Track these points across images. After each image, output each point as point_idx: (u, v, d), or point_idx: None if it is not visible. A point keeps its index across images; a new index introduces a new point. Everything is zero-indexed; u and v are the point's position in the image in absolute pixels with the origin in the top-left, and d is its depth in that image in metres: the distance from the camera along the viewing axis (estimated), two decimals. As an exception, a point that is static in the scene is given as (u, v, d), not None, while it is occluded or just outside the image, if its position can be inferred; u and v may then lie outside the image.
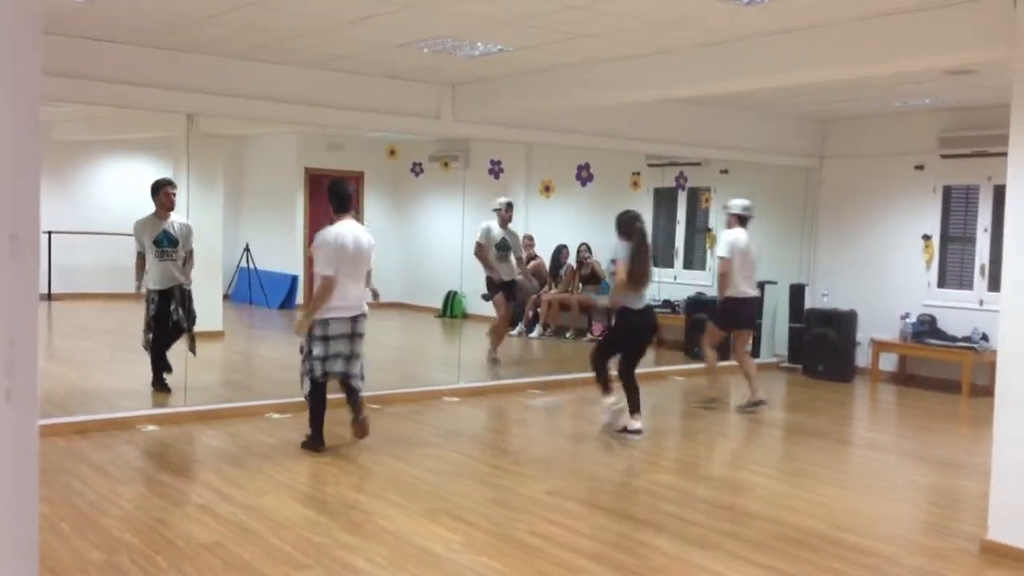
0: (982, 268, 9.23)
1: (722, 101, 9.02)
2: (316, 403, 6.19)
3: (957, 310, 9.32)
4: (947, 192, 9.56)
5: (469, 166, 13.51)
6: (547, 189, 12.85)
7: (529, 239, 12.78)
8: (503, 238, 9.61)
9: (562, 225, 12.85)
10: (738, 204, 8.22)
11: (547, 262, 12.69)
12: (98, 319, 12.24)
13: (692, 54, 6.39)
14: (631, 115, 8.85)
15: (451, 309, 13.81)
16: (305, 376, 6.13)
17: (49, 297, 11.98)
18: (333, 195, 6.24)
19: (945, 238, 9.58)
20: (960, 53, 5.42)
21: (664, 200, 11.97)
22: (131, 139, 12.98)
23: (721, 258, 7.96)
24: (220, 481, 5.44)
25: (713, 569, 4.26)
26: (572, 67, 7.08)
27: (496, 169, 13.20)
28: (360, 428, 6.27)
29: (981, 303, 9.15)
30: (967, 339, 9.01)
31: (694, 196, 11.67)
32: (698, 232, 11.73)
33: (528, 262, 12.75)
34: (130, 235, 7.83)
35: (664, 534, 4.72)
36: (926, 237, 9.61)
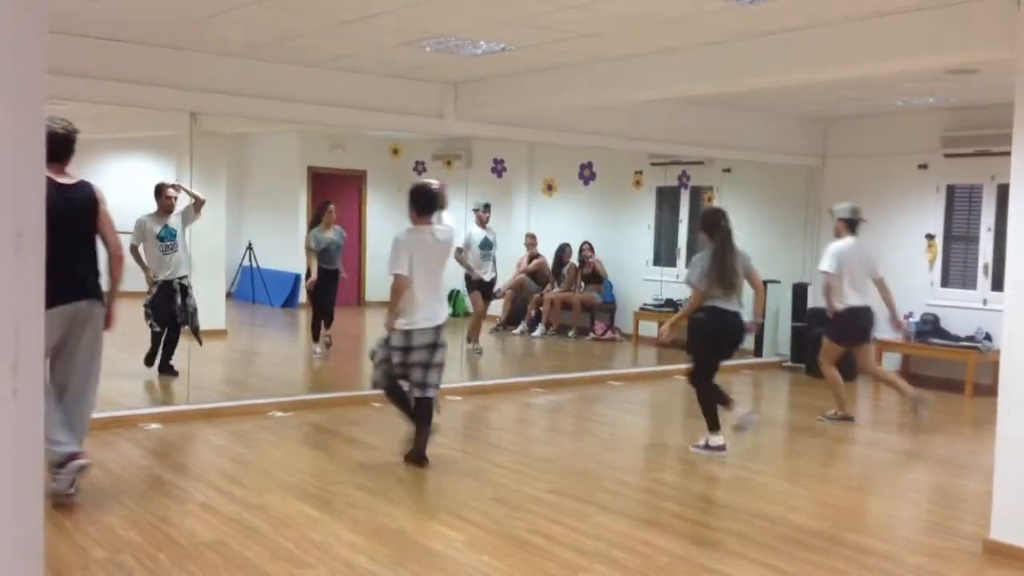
0: (985, 267, 9.23)
1: (725, 100, 9.01)
2: (398, 396, 5.90)
3: (960, 309, 9.31)
4: (950, 191, 9.55)
5: (472, 165, 13.51)
6: (549, 188, 12.85)
7: (532, 238, 12.79)
8: (484, 238, 10.19)
9: (564, 224, 12.84)
10: (843, 208, 7.66)
11: (549, 261, 12.69)
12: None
13: (694, 53, 6.39)
14: (633, 114, 8.84)
15: (453, 308, 13.80)
16: (378, 381, 5.89)
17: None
18: (416, 197, 5.84)
19: (948, 237, 9.57)
20: (963, 52, 5.42)
21: (667, 199, 11.96)
22: (134, 137, 12.98)
23: (824, 272, 7.47)
24: (223, 479, 5.45)
25: (715, 568, 4.26)
26: (574, 66, 7.08)
27: (499, 168, 13.20)
28: (417, 455, 5.82)
29: (985, 302, 9.14)
30: (970, 339, 9.00)
31: (697, 195, 11.66)
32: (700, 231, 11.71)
33: (530, 261, 12.77)
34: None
35: (667, 533, 4.72)
36: (929, 236, 9.60)
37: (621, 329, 12.16)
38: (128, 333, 7.25)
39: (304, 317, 11.13)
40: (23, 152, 0.98)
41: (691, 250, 11.82)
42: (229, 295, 12.80)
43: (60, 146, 4.83)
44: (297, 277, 13.80)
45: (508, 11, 5.54)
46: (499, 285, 11.26)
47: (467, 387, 8.52)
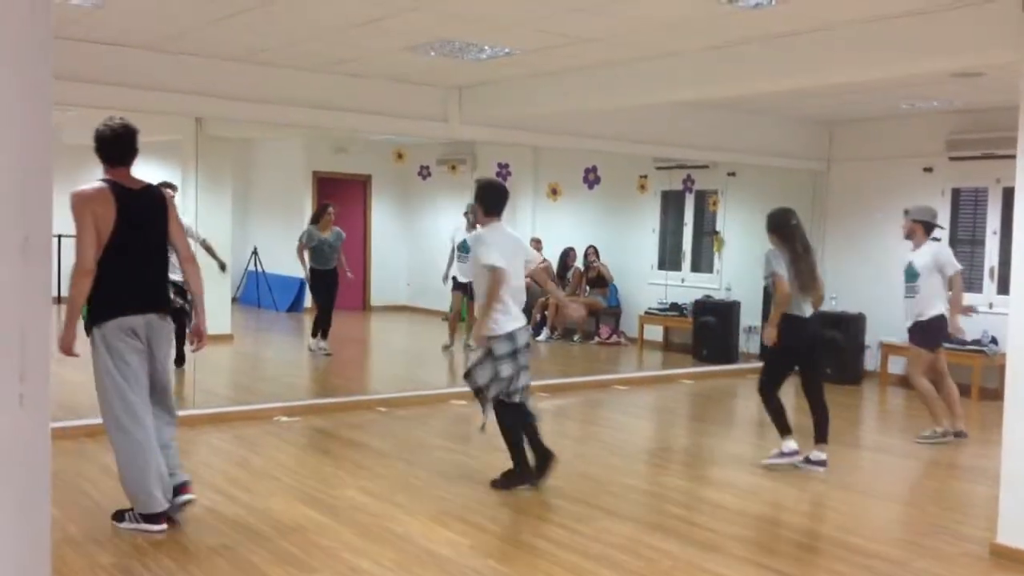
0: (991, 271, 9.21)
1: (729, 104, 9.01)
2: (515, 425, 5.45)
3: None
4: (956, 195, 9.53)
5: (476, 169, 13.53)
6: (554, 192, 12.85)
7: (536, 242, 12.80)
8: (463, 240, 10.29)
9: (569, 228, 12.85)
10: (919, 210, 7.35)
11: (554, 265, 12.69)
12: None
13: (699, 57, 6.39)
14: (638, 118, 8.84)
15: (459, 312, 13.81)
16: (489, 403, 5.42)
17: (59, 300, 12.01)
18: (488, 194, 5.55)
19: (954, 241, 9.55)
20: (968, 56, 5.41)
21: (671, 203, 11.96)
22: (140, 142, 13.02)
23: (958, 272, 7.13)
24: (228, 484, 5.45)
25: (719, 572, 4.25)
26: (579, 70, 7.08)
27: (503, 172, 13.20)
28: (547, 465, 5.48)
29: (991, 306, 9.12)
30: (977, 342, 8.97)
31: (701, 199, 11.66)
32: (705, 235, 11.72)
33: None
34: None
35: (671, 537, 4.71)
36: (935, 240, 9.57)
37: (626, 333, 12.15)
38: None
39: (309, 322, 11.16)
40: (30, 159, 0.99)
41: (696, 254, 11.84)
42: (234, 300, 12.82)
43: (112, 147, 4.57)
44: (302, 282, 13.83)
45: (513, 15, 5.55)
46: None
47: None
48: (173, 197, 8.00)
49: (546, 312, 12.31)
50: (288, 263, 13.94)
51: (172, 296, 7.93)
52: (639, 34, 5.92)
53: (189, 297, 8.10)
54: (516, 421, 5.46)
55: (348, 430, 7.00)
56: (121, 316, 4.47)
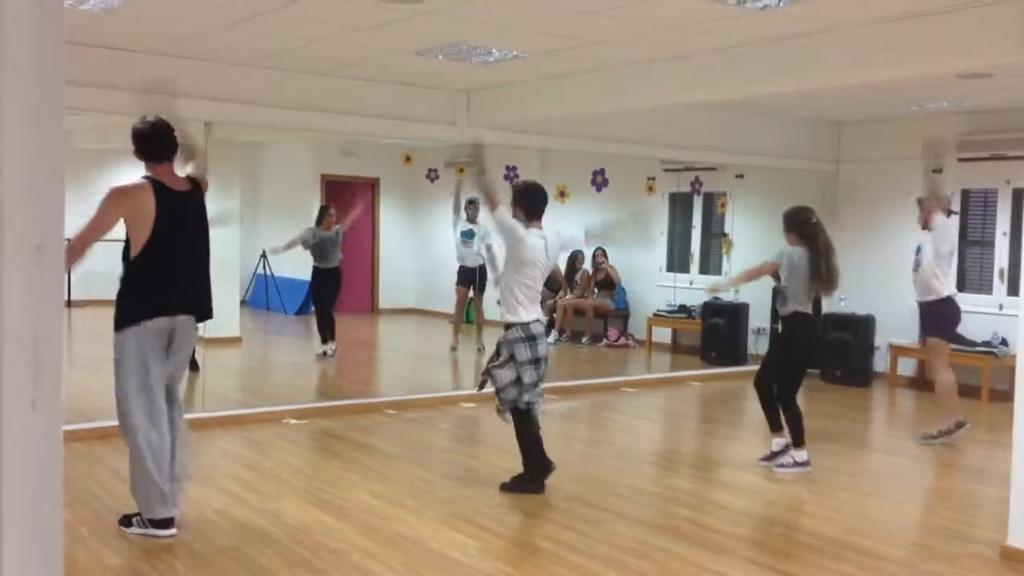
0: (1001, 272, 9.17)
1: (738, 105, 9.00)
2: (531, 431, 5.45)
3: (976, 314, 9.25)
4: (965, 196, 9.50)
5: (484, 172, 13.52)
6: (562, 195, 12.84)
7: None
8: (468, 229, 11.12)
9: (577, 230, 12.83)
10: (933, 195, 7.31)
11: (563, 267, 12.69)
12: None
13: (707, 59, 6.39)
14: (646, 120, 8.84)
15: (467, 315, 13.82)
16: (505, 408, 5.41)
17: (69, 304, 12.08)
18: (527, 198, 5.55)
19: (964, 242, 9.52)
20: (978, 57, 5.40)
21: (680, 205, 11.95)
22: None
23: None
24: (238, 486, 5.47)
25: (728, 574, 4.25)
26: (587, 72, 7.09)
27: (511, 175, 13.20)
28: (545, 473, 5.51)
29: (1000, 307, 9.09)
30: (986, 344, 8.94)
31: (710, 201, 11.65)
32: (714, 237, 11.70)
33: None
34: None
35: (679, 539, 4.71)
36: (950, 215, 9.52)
37: (635, 335, 12.14)
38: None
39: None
40: (43, 165, 1.00)
41: (704, 256, 11.81)
42: (243, 303, 12.86)
43: (149, 142, 4.48)
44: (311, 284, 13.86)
45: (520, 19, 5.56)
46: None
47: (481, 394, 8.51)
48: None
49: (554, 315, 12.30)
50: (296, 266, 13.98)
51: None
52: (647, 36, 5.92)
53: None
54: (531, 426, 5.47)
55: (357, 432, 7.02)
56: (154, 318, 4.43)
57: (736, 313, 10.80)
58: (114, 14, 5.63)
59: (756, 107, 9.14)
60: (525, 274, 5.43)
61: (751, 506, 5.40)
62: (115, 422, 4.61)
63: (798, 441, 6.16)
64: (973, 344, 8.93)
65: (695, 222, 11.79)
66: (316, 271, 10.39)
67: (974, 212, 9.52)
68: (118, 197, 4.43)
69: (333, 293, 10.38)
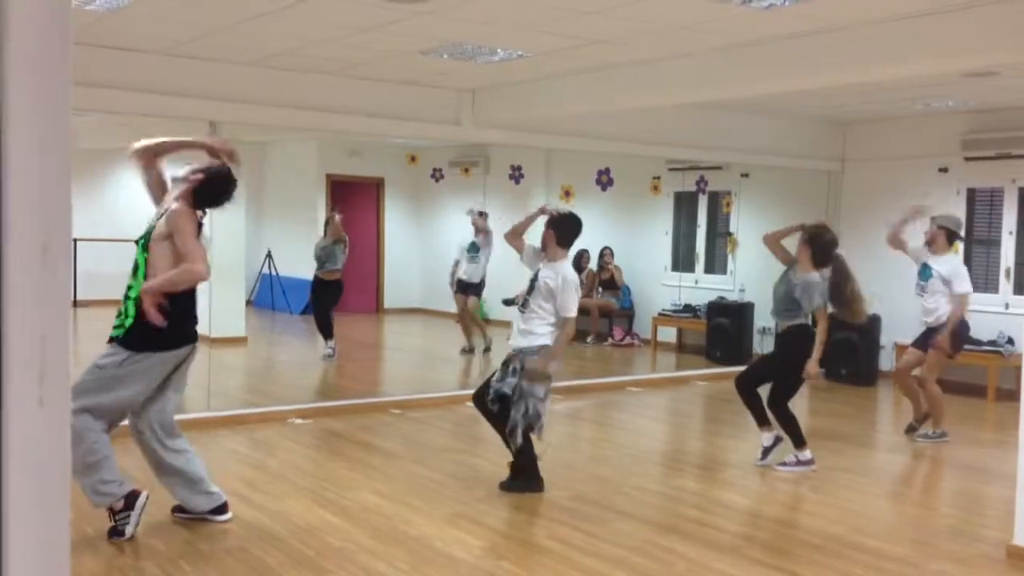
0: (1007, 271, 9.15)
1: (742, 105, 8.99)
2: (531, 452, 5.49)
3: (982, 313, 9.22)
4: (971, 195, 9.48)
5: (489, 172, 13.54)
6: (567, 194, 12.85)
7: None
8: (472, 242, 10.80)
9: (582, 230, 12.82)
10: (946, 217, 7.37)
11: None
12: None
13: (711, 58, 6.38)
14: (651, 119, 8.84)
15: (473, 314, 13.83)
16: (518, 434, 5.36)
17: (75, 304, 12.11)
18: (565, 228, 5.51)
19: (969, 241, 9.50)
20: (983, 55, 5.39)
21: (685, 204, 11.95)
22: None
23: (964, 294, 7.11)
24: (243, 486, 5.48)
25: (733, 574, 4.24)
26: (592, 72, 7.09)
27: (516, 175, 13.22)
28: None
29: (1007, 306, 9.07)
30: (992, 343, 8.93)
31: (715, 200, 11.64)
32: (719, 236, 11.70)
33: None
34: None
35: (685, 539, 4.70)
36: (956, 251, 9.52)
37: (640, 335, 12.14)
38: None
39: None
40: (50, 165, 1.00)
41: (709, 256, 11.80)
42: (249, 303, 12.88)
43: (216, 192, 4.71)
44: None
45: (525, 18, 5.56)
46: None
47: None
48: None
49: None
50: (302, 266, 14.03)
51: None
52: (652, 36, 5.92)
53: None
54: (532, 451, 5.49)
55: (362, 432, 7.02)
56: (176, 349, 4.53)
57: (741, 313, 10.79)
58: (120, 14, 5.64)
59: (761, 106, 9.13)
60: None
61: (756, 505, 5.40)
62: (122, 421, 4.64)
63: (799, 442, 6.16)
64: (979, 343, 8.91)
65: (700, 221, 11.78)
66: (315, 279, 10.31)
67: (980, 211, 9.50)
68: (192, 216, 4.52)
69: (331, 301, 10.29)
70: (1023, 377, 4.56)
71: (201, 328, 4.79)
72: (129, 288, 4.50)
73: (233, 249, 10.68)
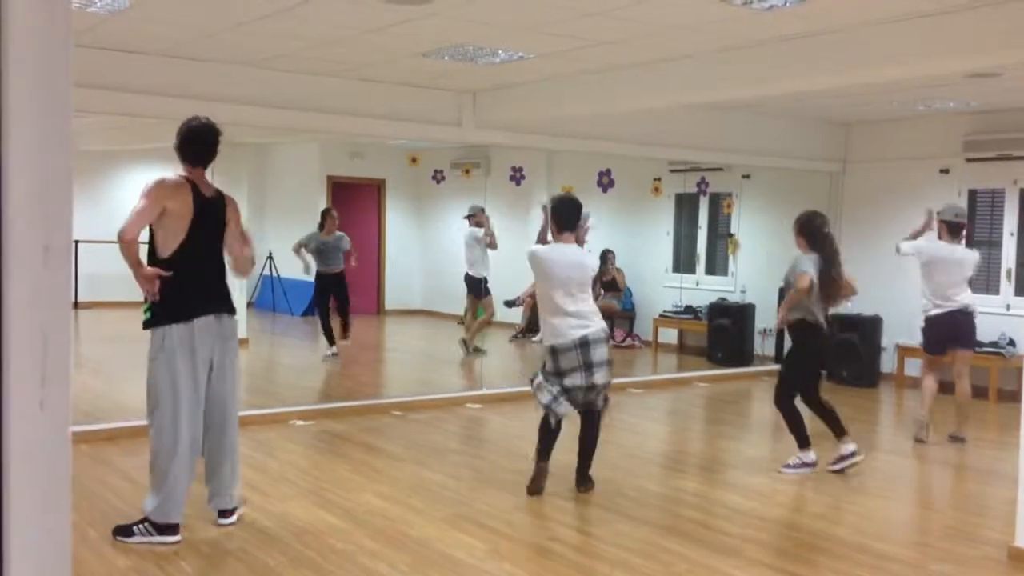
0: (1008, 272, 9.15)
1: (744, 106, 9.00)
2: (548, 432, 5.57)
3: (983, 315, 9.22)
4: (972, 196, 9.48)
5: (490, 173, 13.54)
6: (568, 195, 12.85)
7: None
8: (472, 236, 10.93)
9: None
10: (944, 209, 7.35)
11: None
12: (124, 327, 12.35)
13: (713, 59, 6.38)
14: (652, 121, 8.84)
15: (474, 316, 13.82)
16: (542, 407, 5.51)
17: (76, 305, 12.12)
18: (562, 210, 5.52)
19: (971, 242, 9.49)
20: (985, 56, 5.38)
21: (686, 206, 11.95)
22: (155, 148, 13.08)
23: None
24: (245, 487, 5.47)
25: (737, 576, 4.24)
26: (593, 73, 7.09)
27: (517, 176, 13.22)
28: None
29: (1008, 308, 9.06)
30: (994, 344, 8.92)
31: (716, 201, 11.64)
32: (720, 238, 11.69)
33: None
34: None
35: (686, 541, 4.70)
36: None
37: (641, 336, 12.14)
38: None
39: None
40: (51, 166, 1.00)
41: (710, 257, 11.80)
42: (250, 304, 12.88)
43: (194, 146, 4.55)
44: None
45: (526, 20, 5.56)
46: (519, 293, 11.36)
47: (487, 395, 8.53)
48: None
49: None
50: (303, 268, 14.04)
51: None
52: (653, 37, 5.91)
53: None
54: (552, 433, 5.54)
55: (363, 434, 7.02)
56: (186, 320, 4.46)
57: (742, 314, 10.78)
58: (122, 16, 5.65)
59: (763, 107, 9.13)
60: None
61: (758, 507, 5.39)
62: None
63: (803, 443, 6.14)
64: (980, 344, 8.90)
65: (701, 223, 11.78)
66: (318, 275, 10.44)
67: (981, 212, 9.49)
68: (163, 189, 4.43)
69: (339, 297, 10.40)
70: (1025, 378, 4.56)
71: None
72: None
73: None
